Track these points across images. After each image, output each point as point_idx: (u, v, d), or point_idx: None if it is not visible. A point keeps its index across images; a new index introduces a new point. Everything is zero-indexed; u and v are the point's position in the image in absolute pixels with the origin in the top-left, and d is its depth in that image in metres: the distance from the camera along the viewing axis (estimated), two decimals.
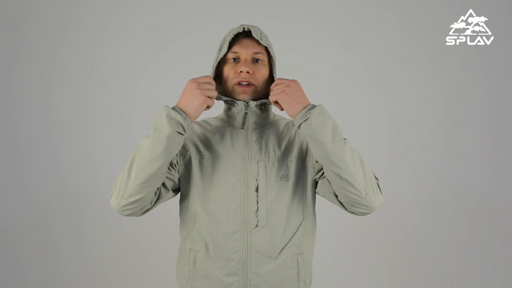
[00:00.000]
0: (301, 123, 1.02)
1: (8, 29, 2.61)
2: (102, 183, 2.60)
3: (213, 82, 1.08)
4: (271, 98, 1.08)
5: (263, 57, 1.15)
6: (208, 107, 1.09)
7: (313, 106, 1.03)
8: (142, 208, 1.10)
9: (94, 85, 2.65)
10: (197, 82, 1.05)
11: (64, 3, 2.62)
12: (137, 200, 1.06)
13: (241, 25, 1.15)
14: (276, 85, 1.08)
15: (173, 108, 1.04)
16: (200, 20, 2.62)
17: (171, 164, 1.16)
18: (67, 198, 2.62)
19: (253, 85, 1.13)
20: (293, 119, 1.06)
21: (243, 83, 1.12)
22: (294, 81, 1.07)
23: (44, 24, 2.62)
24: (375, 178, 1.12)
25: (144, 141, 1.05)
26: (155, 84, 2.64)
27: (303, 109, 1.02)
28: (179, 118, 1.01)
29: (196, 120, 1.16)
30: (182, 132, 1.04)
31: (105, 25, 2.64)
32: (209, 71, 1.20)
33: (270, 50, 1.16)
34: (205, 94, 1.04)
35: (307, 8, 2.64)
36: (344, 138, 1.05)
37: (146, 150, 1.03)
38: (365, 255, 2.61)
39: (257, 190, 1.12)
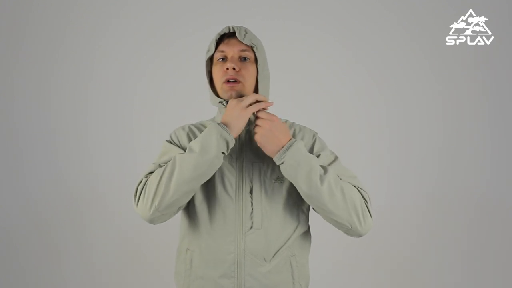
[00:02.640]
0: (279, 166, 1.05)
1: (8, 29, 2.61)
2: (102, 183, 2.60)
3: (257, 97, 1.08)
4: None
5: (250, 55, 1.15)
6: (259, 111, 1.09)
7: (290, 146, 1.03)
8: (167, 218, 1.11)
9: (94, 85, 2.65)
10: (240, 100, 1.07)
11: (64, 3, 2.62)
12: (168, 213, 1.08)
13: (226, 26, 1.16)
14: (256, 124, 1.08)
15: (223, 127, 1.03)
16: (200, 20, 2.62)
17: None
18: (67, 198, 2.62)
19: (240, 82, 1.12)
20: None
21: (230, 80, 1.12)
22: (270, 120, 1.05)
23: (44, 24, 2.62)
24: (364, 199, 1.11)
25: (187, 157, 1.03)
26: (155, 84, 2.64)
27: (279, 151, 1.04)
28: (229, 139, 1.03)
29: (192, 123, 1.22)
30: (226, 152, 1.05)
31: (105, 25, 2.64)
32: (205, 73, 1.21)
33: (254, 49, 1.15)
34: (244, 108, 1.05)
35: (307, 8, 2.64)
36: (324, 170, 1.05)
37: (189, 167, 1.02)
38: (364, 258, 2.61)
39: (251, 192, 1.12)
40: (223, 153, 1.04)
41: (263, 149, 1.07)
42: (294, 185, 1.06)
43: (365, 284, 2.59)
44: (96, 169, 2.62)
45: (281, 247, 1.13)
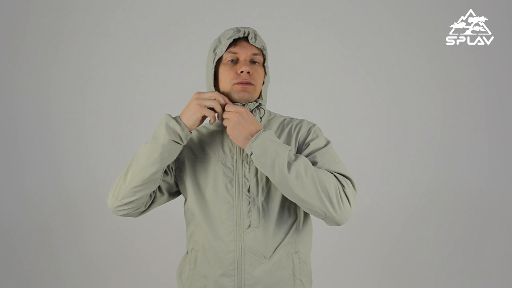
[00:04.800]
0: (250, 156, 1.05)
1: (8, 29, 2.61)
2: (101, 184, 2.60)
3: (218, 97, 1.08)
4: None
5: (260, 58, 1.16)
6: (204, 118, 1.10)
7: (258, 136, 1.03)
8: (136, 209, 1.15)
9: (93, 86, 2.65)
10: (199, 92, 1.08)
11: (64, 3, 2.63)
12: (131, 202, 1.11)
13: (237, 27, 1.15)
14: (224, 117, 1.08)
15: (174, 118, 1.07)
16: (200, 21, 2.62)
17: (167, 167, 1.19)
18: (66, 199, 2.62)
19: (253, 85, 1.13)
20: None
21: (243, 83, 1.12)
22: (238, 112, 1.06)
23: (44, 24, 2.63)
24: (342, 185, 1.07)
25: (143, 147, 1.09)
26: (155, 85, 2.65)
27: (248, 141, 1.04)
28: (176, 128, 1.05)
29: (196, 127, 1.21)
30: (179, 142, 1.07)
31: (105, 26, 2.64)
32: (207, 72, 1.19)
33: (264, 52, 1.17)
34: (201, 104, 1.06)
35: (307, 8, 2.64)
36: (295, 158, 1.04)
37: (143, 155, 1.08)
38: (359, 253, 2.61)
39: (248, 190, 1.13)
40: (177, 142, 1.06)
41: (235, 141, 1.07)
42: (264, 174, 1.06)
43: (362, 284, 2.59)
44: (95, 169, 2.63)
45: (280, 243, 1.14)
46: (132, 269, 2.59)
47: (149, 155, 1.06)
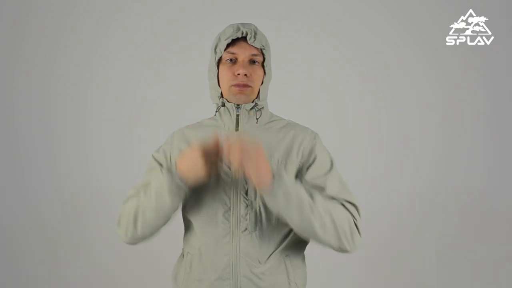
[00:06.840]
0: (267, 200, 1.01)
1: (8, 29, 2.61)
2: (101, 184, 2.60)
3: (220, 149, 1.04)
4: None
5: (259, 58, 1.14)
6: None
7: (277, 176, 0.99)
8: (150, 239, 1.19)
9: (93, 86, 2.65)
10: (200, 146, 1.03)
11: (64, 3, 2.62)
12: (148, 237, 1.16)
13: (237, 25, 1.13)
14: (231, 147, 1.01)
15: (174, 177, 1.04)
16: (200, 21, 2.62)
17: None
18: (66, 199, 2.62)
19: (250, 87, 1.12)
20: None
21: (240, 84, 1.11)
22: (256, 147, 1.00)
23: (44, 24, 2.62)
24: (353, 217, 1.08)
25: (147, 201, 1.08)
26: (155, 85, 2.64)
27: (266, 183, 0.98)
28: (181, 192, 1.05)
29: (188, 125, 1.24)
30: (186, 196, 1.08)
31: (105, 26, 2.64)
32: (209, 70, 1.19)
33: (264, 52, 1.15)
34: (210, 166, 1.04)
35: (307, 8, 2.64)
36: (311, 198, 1.01)
37: (151, 212, 1.09)
38: (356, 254, 2.59)
39: (246, 193, 1.12)
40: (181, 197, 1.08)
41: (251, 177, 1.00)
42: (284, 217, 1.02)
43: (359, 285, 2.59)
44: (95, 169, 2.62)
45: (276, 248, 1.12)
46: (132, 271, 2.58)
47: (157, 210, 1.08)
